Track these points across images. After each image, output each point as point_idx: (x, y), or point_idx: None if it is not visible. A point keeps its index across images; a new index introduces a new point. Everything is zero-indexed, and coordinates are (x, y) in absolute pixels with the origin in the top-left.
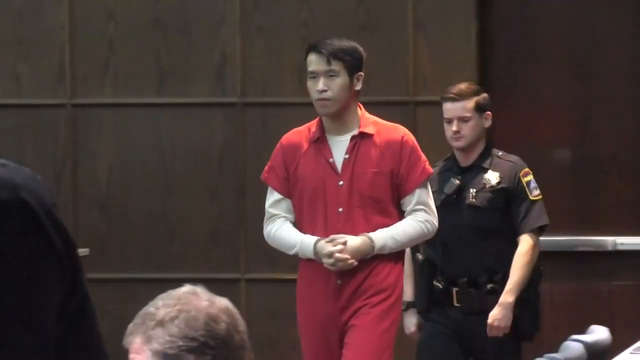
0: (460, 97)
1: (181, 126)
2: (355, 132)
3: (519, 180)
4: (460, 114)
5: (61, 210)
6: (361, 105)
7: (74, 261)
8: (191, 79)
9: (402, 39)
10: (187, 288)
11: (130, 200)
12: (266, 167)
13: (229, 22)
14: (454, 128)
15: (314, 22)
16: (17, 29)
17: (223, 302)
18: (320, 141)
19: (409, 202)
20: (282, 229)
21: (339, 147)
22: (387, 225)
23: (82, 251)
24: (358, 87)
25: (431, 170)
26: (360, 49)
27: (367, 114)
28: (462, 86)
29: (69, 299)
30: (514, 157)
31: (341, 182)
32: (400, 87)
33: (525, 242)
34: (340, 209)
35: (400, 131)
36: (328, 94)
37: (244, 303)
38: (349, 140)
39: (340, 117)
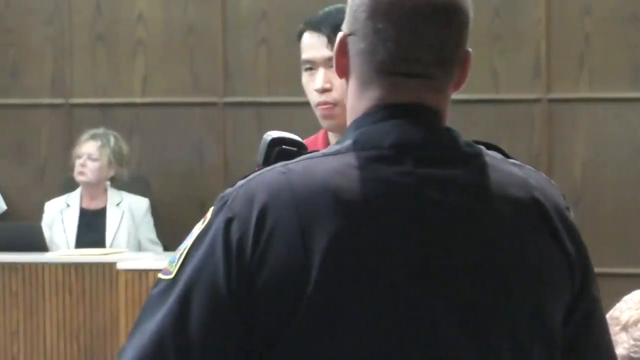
0: None
1: None
2: None
3: None
4: None
5: None
6: None
7: (584, 264)
8: None
9: None
10: None
11: (603, 195)
12: None
13: None
14: None
15: None
16: (493, 24)
17: None
18: None
19: None
20: None
21: None
22: None
23: None
24: None
25: None
26: None
27: None
28: None
29: (574, 305)
30: None
31: None
32: None
33: None
34: None
35: None
36: (333, 95)
37: None
38: None
39: None
